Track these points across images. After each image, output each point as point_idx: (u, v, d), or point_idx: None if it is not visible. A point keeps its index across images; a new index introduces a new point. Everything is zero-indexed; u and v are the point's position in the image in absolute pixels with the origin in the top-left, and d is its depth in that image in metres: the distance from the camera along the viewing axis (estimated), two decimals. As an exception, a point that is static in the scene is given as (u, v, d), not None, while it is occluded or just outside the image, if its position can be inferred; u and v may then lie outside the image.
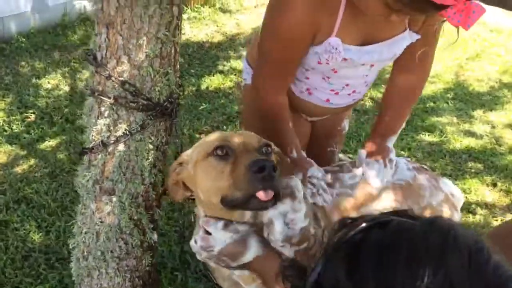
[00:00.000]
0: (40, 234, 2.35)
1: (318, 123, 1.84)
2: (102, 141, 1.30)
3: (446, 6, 1.07)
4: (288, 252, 1.24)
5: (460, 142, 3.35)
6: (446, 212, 1.56)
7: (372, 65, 1.53)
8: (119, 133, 1.29)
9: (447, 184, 1.61)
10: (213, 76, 3.96)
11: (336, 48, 1.37)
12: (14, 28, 4.12)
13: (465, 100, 3.93)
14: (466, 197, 2.79)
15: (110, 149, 1.31)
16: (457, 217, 1.61)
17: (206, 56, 4.29)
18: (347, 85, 1.57)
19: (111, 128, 1.29)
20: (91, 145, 1.32)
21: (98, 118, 1.30)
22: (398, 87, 1.63)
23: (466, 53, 4.68)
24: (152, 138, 1.34)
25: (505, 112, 3.77)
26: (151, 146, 1.35)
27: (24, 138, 3.11)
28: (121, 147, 1.31)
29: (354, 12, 1.29)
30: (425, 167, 1.65)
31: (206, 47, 4.46)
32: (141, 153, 1.34)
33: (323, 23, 1.33)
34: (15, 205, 2.53)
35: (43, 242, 2.30)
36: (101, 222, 1.39)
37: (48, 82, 3.70)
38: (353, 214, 1.44)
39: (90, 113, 1.32)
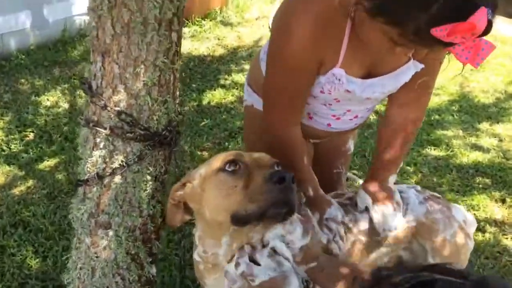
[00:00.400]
0: (37, 260, 2.28)
1: (321, 144, 1.77)
2: (97, 173, 1.24)
3: (454, 44, 1.02)
4: (300, 272, 1.21)
5: (467, 156, 3.28)
6: (460, 244, 1.49)
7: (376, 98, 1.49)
8: (115, 164, 1.23)
9: (460, 211, 1.54)
10: (215, 90, 3.91)
11: (339, 79, 1.32)
12: (14, 45, 4.09)
13: (471, 112, 3.86)
14: (475, 213, 2.71)
15: (106, 181, 1.25)
16: (471, 246, 1.54)
17: (207, 70, 4.24)
18: (348, 110, 1.51)
19: (107, 159, 1.23)
20: (85, 177, 1.26)
21: (93, 150, 1.24)
22: (395, 124, 1.53)
23: (470, 64, 4.62)
24: (151, 168, 1.28)
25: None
26: (149, 177, 1.29)
27: (23, 157, 3.05)
28: (117, 179, 1.25)
29: (358, 43, 1.24)
30: (436, 194, 1.58)
31: (208, 60, 4.41)
32: (138, 185, 1.28)
33: (327, 52, 1.28)
34: (12, 229, 2.47)
35: (40, 269, 2.23)
36: (96, 257, 1.32)
37: (48, 100, 3.65)
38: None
39: (85, 144, 1.26)
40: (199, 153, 3.18)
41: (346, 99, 1.42)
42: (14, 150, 3.12)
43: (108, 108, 1.18)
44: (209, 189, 1.15)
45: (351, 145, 1.87)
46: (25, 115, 3.44)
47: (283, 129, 1.43)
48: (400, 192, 1.53)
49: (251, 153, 1.21)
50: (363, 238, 1.42)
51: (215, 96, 3.83)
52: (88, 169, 1.25)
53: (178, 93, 1.30)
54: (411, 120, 1.53)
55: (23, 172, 2.93)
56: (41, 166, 2.99)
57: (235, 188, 1.10)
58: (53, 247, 2.36)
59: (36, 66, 4.01)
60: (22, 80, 3.83)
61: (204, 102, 3.77)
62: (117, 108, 1.18)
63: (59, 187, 2.81)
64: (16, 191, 2.77)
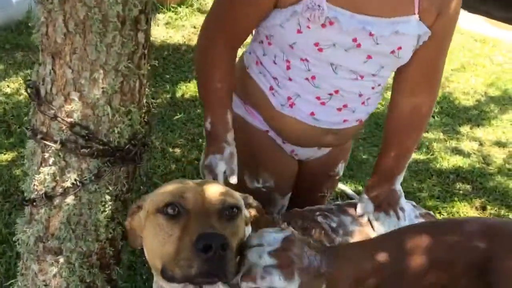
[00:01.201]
0: (-12, 266, 2.08)
1: (308, 165, 1.61)
2: (45, 192, 1.06)
3: None
4: None
5: (447, 161, 3.21)
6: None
7: (369, 57, 1.26)
8: (68, 183, 1.05)
9: None
10: (189, 82, 3.71)
11: (319, 5, 1.15)
12: (-27, 25, 3.78)
13: (452, 114, 3.80)
14: (455, 222, 2.64)
15: (56, 202, 1.07)
16: None
17: (182, 60, 4.03)
18: (336, 91, 1.32)
19: (57, 177, 1.05)
20: (32, 196, 1.08)
21: (41, 165, 1.05)
22: (402, 114, 1.39)
23: (452, 64, 4.56)
24: (110, 187, 1.11)
25: (492, 128, 3.65)
26: (108, 197, 1.11)
27: (-23, 150, 2.81)
28: (70, 199, 1.07)
29: None
30: (431, 213, 1.48)
31: (183, 50, 4.19)
32: (95, 206, 1.10)
33: None
34: (-40, 230, 2.25)
35: (-10, 277, 2.03)
36: (45, 285, 1.15)
37: (8, 86, 3.38)
38: None
39: (32, 158, 1.07)
40: (171, 150, 3.00)
41: (330, 42, 1.22)
42: (-32, 141, 2.87)
43: (59, 119, 0.99)
44: (147, 229, 1.00)
45: (340, 169, 1.69)
46: (-18, 102, 3.18)
47: (214, 46, 1.29)
48: None
49: (204, 187, 1.00)
50: (353, 241, 1.30)
51: (189, 89, 3.63)
52: (35, 187, 1.07)
53: (144, 101, 1.12)
54: (420, 109, 1.39)
55: (-23, 166, 2.69)
56: (-3, 160, 2.76)
57: (170, 237, 0.93)
58: (6, 252, 2.16)
59: (-3, 48, 3.73)
60: (-19, 63, 3.55)
61: (178, 94, 3.58)
62: (70, 119, 1.00)
63: (16, 184, 2.58)
64: (-33, 187, 2.54)
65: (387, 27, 1.20)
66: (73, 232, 1.10)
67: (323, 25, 1.18)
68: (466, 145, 3.40)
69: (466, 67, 4.60)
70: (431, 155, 3.25)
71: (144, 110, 1.14)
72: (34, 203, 1.07)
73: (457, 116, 3.77)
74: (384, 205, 1.36)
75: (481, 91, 4.20)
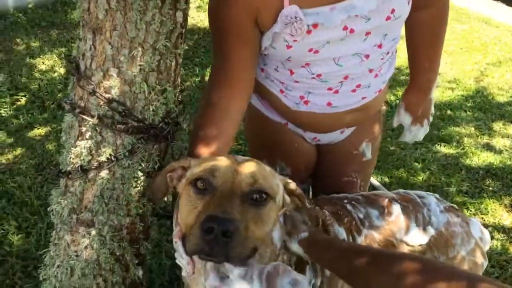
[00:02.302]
0: (20, 236, 2.15)
1: (327, 148, 1.56)
2: (81, 165, 1.09)
3: None
4: (295, 247, 1.09)
5: (478, 156, 3.13)
6: (476, 263, 1.37)
7: (367, 33, 1.20)
8: (103, 158, 1.08)
9: (477, 226, 1.42)
10: (219, 66, 3.72)
11: (295, 17, 1.10)
12: (11, 2, 3.86)
13: (485, 109, 3.70)
14: (483, 218, 2.60)
15: (90, 175, 1.10)
16: (485, 265, 1.41)
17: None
18: (345, 77, 1.29)
19: (93, 151, 1.08)
20: (68, 169, 1.11)
21: (78, 139, 1.08)
22: (421, 23, 1.39)
23: (486, 57, 4.43)
24: (143, 164, 1.13)
25: (526, 125, 3.55)
26: (140, 173, 1.13)
27: (12, 123, 2.89)
28: (104, 173, 1.10)
29: None
30: (455, 206, 1.45)
31: (213, 33, 4.20)
32: (128, 181, 1.13)
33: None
34: (-5, 200, 2.34)
35: (21, 246, 2.10)
36: (76, 256, 1.19)
37: (43, 63, 3.46)
38: None
39: (69, 131, 1.10)
40: (199, 132, 3.03)
41: (323, 42, 1.18)
42: (4, 115, 2.96)
43: (98, 94, 1.01)
44: (182, 197, 1.02)
45: (366, 149, 1.60)
46: (18, 78, 3.27)
47: (218, 97, 1.19)
48: (420, 197, 1.41)
49: (239, 167, 0.99)
50: (376, 236, 1.29)
51: (219, 72, 3.64)
52: (71, 160, 1.10)
53: (179, 81, 1.13)
54: (439, 16, 1.40)
55: (12, 139, 2.78)
56: (31, 134, 2.84)
57: (194, 210, 0.94)
58: (37, 223, 2.23)
59: (33, 26, 3.81)
60: (18, 40, 3.63)
61: (207, 78, 3.59)
62: (107, 95, 1.02)
63: (49, 158, 2.66)
64: (2, 159, 2.62)
65: (369, 0, 1.14)
66: (105, 206, 1.13)
67: (309, 31, 1.14)
68: (498, 142, 3.31)
69: (502, 61, 4.46)
70: (462, 149, 3.18)
71: (178, 90, 1.15)
72: (70, 176, 1.10)
73: (490, 112, 3.67)
74: (420, 117, 1.47)
75: (516, 87, 4.08)
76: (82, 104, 1.05)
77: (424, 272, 0.84)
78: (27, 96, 3.13)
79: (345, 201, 1.34)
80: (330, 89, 1.31)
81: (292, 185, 1.06)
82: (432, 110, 1.59)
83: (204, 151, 1.12)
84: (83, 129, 1.06)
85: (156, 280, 2.02)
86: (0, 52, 3.48)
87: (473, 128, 3.44)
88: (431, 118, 1.61)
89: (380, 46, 1.25)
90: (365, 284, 0.89)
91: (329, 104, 1.35)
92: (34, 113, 2.99)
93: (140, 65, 1.00)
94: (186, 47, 1.14)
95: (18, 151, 2.70)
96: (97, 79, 1.02)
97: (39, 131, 2.86)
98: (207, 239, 0.85)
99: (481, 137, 3.34)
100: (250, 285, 0.94)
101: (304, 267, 1.13)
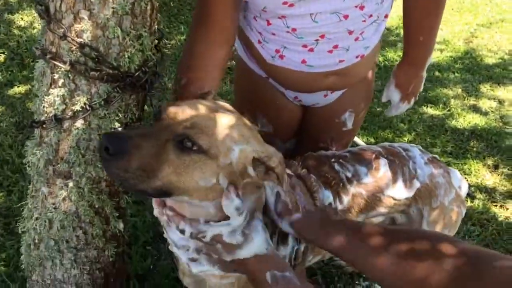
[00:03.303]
0: (1, 193, 2.13)
1: (313, 111, 1.54)
2: (55, 115, 1.05)
3: None
4: (285, 227, 1.05)
5: (464, 118, 3.14)
6: (456, 211, 1.39)
7: None
8: (77, 107, 1.04)
9: (457, 176, 1.46)
10: (205, 24, 3.62)
11: None
12: (-15, -47, 3.68)
13: (473, 71, 3.69)
14: (466, 178, 2.62)
15: (65, 125, 1.06)
16: (463, 212, 1.44)
17: (198, 1, 3.93)
18: (321, 36, 1.24)
19: (67, 100, 1.04)
20: (42, 119, 1.07)
21: (50, 87, 1.03)
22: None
23: (477, 18, 4.38)
24: (120, 114, 1.09)
25: (513, 87, 3.55)
26: (117, 124, 1.10)
27: (-9, 81, 2.81)
28: (79, 123, 1.06)
29: None
30: (437, 157, 1.46)
31: (199, -10, 4.07)
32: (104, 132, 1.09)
33: None
34: (-26, 158, 2.29)
35: (3, 204, 2.08)
36: (54, 208, 1.16)
37: (22, 19, 3.34)
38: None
39: (42, 79, 1.05)
40: (183, 91, 2.97)
41: None
42: (-18, 73, 2.87)
43: (69, 39, 0.96)
44: None
45: (348, 119, 1.56)
46: (-5, 34, 3.16)
47: (199, 40, 1.17)
48: (405, 149, 1.41)
49: (190, 109, 0.92)
50: (364, 193, 1.29)
51: (205, 31, 3.55)
52: (45, 109, 1.06)
53: (156, 26, 1.08)
54: None
55: (-9, 97, 2.71)
56: (11, 91, 2.77)
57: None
58: (19, 181, 2.20)
59: (11, -20, 3.65)
60: (-6, -5, 3.49)
61: (193, 36, 3.50)
62: (79, 40, 0.97)
63: (30, 116, 2.60)
64: (-19, 118, 2.56)
65: None
66: (82, 157, 1.10)
67: None
68: (485, 103, 3.32)
69: (493, 23, 4.42)
70: (448, 111, 3.19)
71: (155, 37, 1.10)
72: (44, 125, 1.07)
73: (478, 73, 3.66)
74: (410, 94, 1.43)
75: (505, 49, 4.05)
76: (54, 50, 1.00)
77: (386, 234, 0.89)
78: (5, 53, 3.03)
79: (333, 159, 1.33)
80: (305, 46, 1.27)
81: (273, 162, 0.95)
82: (421, 87, 1.55)
83: (190, 93, 1.10)
84: (55, 76, 1.01)
85: (140, 237, 2.02)
86: (-23, 8, 3.35)
87: (460, 90, 3.43)
88: (417, 96, 1.58)
89: (362, 7, 1.19)
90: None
91: (303, 61, 1.31)
92: (14, 71, 2.91)
93: (112, 8, 0.95)
94: (171, 4, 1.09)
95: (-2, 109, 2.63)
96: (68, 22, 0.96)
97: (18, 89, 2.79)
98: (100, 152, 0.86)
99: (468, 99, 3.34)
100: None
101: (286, 235, 1.12)
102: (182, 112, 0.91)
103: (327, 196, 1.24)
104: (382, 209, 1.32)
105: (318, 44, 1.26)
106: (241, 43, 1.44)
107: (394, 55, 3.80)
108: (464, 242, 0.85)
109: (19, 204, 2.04)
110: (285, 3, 1.15)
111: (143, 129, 0.92)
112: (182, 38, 3.43)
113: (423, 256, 0.83)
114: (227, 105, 1.01)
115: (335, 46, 1.27)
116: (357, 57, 1.34)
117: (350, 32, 1.25)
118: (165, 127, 0.90)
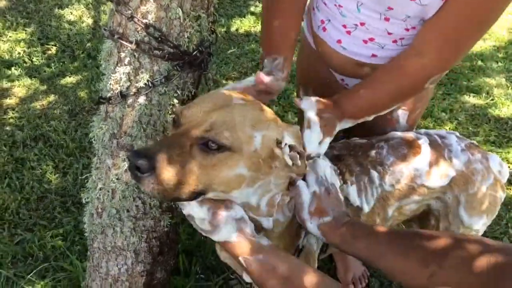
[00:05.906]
0: (57, 175, 2.27)
1: None
2: (121, 91, 1.14)
3: None
4: (313, 228, 1.08)
5: (508, 107, 3.09)
6: (495, 197, 1.40)
7: (389, 8, 1.15)
8: (141, 84, 1.12)
9: (496, 161, 1.42)
10: (244, 17, 3.70)
11: None
12: (38, -49, 3.87)
13: (516, 60, 3.61)
14: (509, 167, 2.59)
15: (129, 101, 1.15)
16: (503, 197, 1.44)
17: (238, -6, 4.01)
18: (361, 24, 1.25)
19: (132, 77, 1.12)
20: (108, 95, 1.16)
21: (117, 65, 1.12)
22: (403, 71, 1.19)
23: (521, 7, 4.26)
24: (178, 91, 1.17)
25: (559, 77, 3.45)
26: (176, 100, 1.18)
27: (45, 72, 2.98)
28: (142, 99, 1.15)
29: None
30: (474, 143, 1.45)
31: (239, -16, 4.15)
32: (164, 108, 1.18)
33: None
34: (32, 142, 2.45)
35: (59, 184, 2.22)
36: (117, 179, 1.26)
37: (71, 13, 3.51)
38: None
39: (109, 58, 1.15)
40: (224, 82, 3.06)
41: None
42: (36, 63, 3.04)
43: (135, 20, 1.05)
44: None
45: (401, 117, 1.49)
46: (47, 28, 3.33)
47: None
48: (441, 137, 1.41)
49: (213, 111, 0.94)
50: (402, 180, 1.32)
51: (244, 24, 3.63)
52: (111, 86, 1.15)
53: (212, 9, 1.16)
54: (424, 69, 1.18)
55: (45, 87, 2.87)
56: (63, 81, 2.92)
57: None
58: (73, 164, 2.33)
59: (61, -24, 3.83)
60: (46, -9, 3.68)
61: (233, 28, 3.59)
62: (145, 20, 1.05)
63: (81, 104, 2.75)
64: (37, 104, 2.72)
65: None
66: (143, 131, 1.19)
67: None
68: (529, 93, 3.25)
69: (537, 12, 4.29)
70: (491, 100, 3.14)
71: (211, 19, 1.18)
72: (110, 101, 1.16)
73: (522, 63, 3.58)
74: (322, 124, 1.16)
75: (550, 38, 3.94)
76: (121, 31, 1.09)
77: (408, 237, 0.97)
78: (57, 46, 3.20)
79: (376, 144, 1.36)
80: (344, 26, 1.30)
81: (290, 140, 1.00)
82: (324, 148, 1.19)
83: (279, 40, 1.22)
84: (122, 55, 1.10)
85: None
86: (30, 3, 3.54)
87: (504, 79, 3.37)
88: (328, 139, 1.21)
89: (404, 20, 1.19)
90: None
91: (339, 41, 1.33)
92: (65, 62, 3.07)
93: (175, -10, 1.03)
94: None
95: (51, 97, 2.79)
96: (135, 4, 1.05)
97: (70, 79, 2.94)
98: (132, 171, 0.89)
99: (511, 88, 3.28)
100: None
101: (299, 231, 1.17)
102: (198, 113, 0.94)
103: (351, 194, 1.27)
104: (416, 197, 1.34)
105: (356, 30, 1.28)
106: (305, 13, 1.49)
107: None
108: (492, 241, 0.86)
109: (75, 187, 2.18)
110: None
111: (166, 139, 0.95)
112: (222, 30, 3.52)
113: (449, 259, 0.85)
114: (238, 94, 1.03)
115: (371, 39, 1.28)
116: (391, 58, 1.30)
117: (389, 33, 1.25)
118: (185, 133, 0.92)
